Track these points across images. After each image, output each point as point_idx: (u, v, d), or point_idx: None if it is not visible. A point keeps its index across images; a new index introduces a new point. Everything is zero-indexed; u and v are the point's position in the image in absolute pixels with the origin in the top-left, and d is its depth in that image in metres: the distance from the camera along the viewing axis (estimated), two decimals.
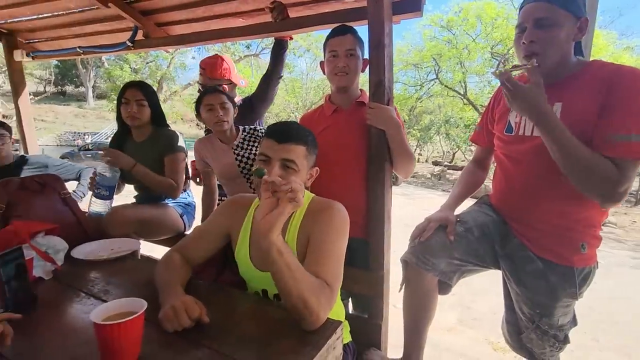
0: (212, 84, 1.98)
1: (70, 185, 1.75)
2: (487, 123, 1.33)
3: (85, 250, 1.28)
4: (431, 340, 1.32)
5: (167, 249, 1.13)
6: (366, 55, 1.41)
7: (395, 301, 1.45)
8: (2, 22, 2.47)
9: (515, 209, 1.19)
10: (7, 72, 2.81)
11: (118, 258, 1.25)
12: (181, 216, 1.88)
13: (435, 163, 18.38)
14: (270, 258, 0.77)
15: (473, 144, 1.45)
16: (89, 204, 1.54)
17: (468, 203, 1.40)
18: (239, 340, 0.76)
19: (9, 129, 1.95)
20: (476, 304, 3.02)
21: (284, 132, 0.96)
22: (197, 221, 1.91)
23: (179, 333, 0.77)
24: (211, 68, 1.99)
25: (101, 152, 1.57)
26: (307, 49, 19.07)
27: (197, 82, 2.12)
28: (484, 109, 1.37)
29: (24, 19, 2.36)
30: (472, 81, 15.59)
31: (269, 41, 16.35)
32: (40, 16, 2.29)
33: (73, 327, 0.84)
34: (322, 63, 1.48)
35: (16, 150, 2.01)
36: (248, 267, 1.04)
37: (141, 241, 1.52)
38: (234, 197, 1.17)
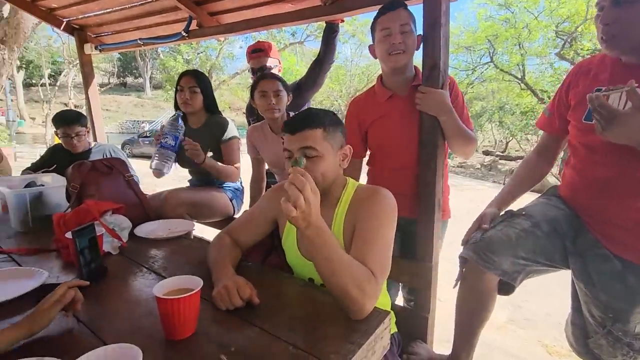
0: (264, 64, 2.00)
1: None
2: (559, 108, 1.19)
3: (146, 230, 1.38)
4: (480, 337, 1.26)
5: (216, 231, 1.18)
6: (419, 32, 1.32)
7: (440, 294, 1.39)
8: (74, 18, 2.70)
9: (591, 204, 1.07)
10: (78, 66, 3.07)
11: (174, 238, 1.33)
12: (231, 200, 1.95)
13: (486, 153, 17.27)
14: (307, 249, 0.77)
15: (529, 133, 1.33)
16: (151, 161, 1.61)
17: (529, 197, 1.29)
18: (288, 322, 0.78)
19: (85, 123, 2.11)
20: (528, 303, 2.83)
21: (294, 123, 0.96)
22: (246, 205, 1.97)
23: (230, 312, 0.81)
24: (267, 48, 2.02)
25: (183, 139, 1.62)
26: (352, 35, 18.57)
27: (250, 67, 2.13)
28: (556, 92, 1.23)
29: (92, 14, 2.56)
30: (532, 64, 14.20)
31: (313, 28, 16.18)
32: (106, 11, 2.47)
33: (137, 299, 0.91)
34: (371, 47, 1.39)
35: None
36: (295, 255, 1.04)
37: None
38: (281, 183, 1.16)
